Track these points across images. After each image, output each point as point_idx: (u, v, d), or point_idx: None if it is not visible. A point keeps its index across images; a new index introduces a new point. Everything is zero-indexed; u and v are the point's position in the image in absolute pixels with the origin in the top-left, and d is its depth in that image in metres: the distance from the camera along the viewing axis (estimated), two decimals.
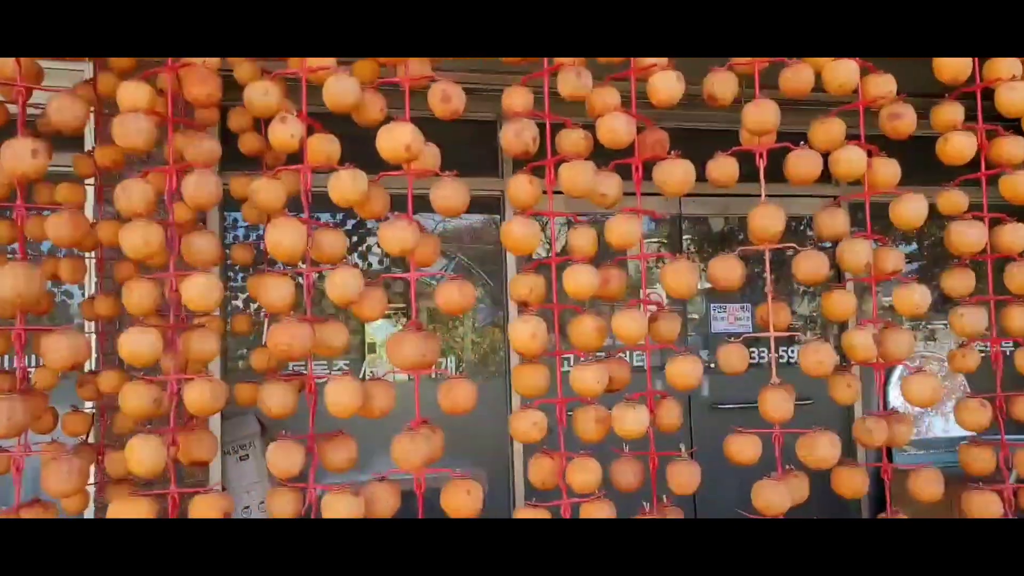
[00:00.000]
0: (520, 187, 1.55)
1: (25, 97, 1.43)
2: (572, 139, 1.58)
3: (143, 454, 1.27)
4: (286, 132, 1.41)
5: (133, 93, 1.42)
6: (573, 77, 1.53)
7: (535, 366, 1.55)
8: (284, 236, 1.39)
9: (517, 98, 1.57)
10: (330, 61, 1.44)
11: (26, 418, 1.30)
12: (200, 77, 1.41)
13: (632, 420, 1.49)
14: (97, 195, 2.04)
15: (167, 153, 1.51)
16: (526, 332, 1.46)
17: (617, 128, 1.52)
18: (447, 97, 1.48)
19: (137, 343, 1.31)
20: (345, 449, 1.47)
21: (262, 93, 1.47)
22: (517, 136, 1.50)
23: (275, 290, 1.42)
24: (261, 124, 2.00)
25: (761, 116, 1.51)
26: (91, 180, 2.00)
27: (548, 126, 1.58)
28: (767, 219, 1.51)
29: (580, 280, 1.48)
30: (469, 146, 4.01)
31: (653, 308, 1.64)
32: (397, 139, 1.42)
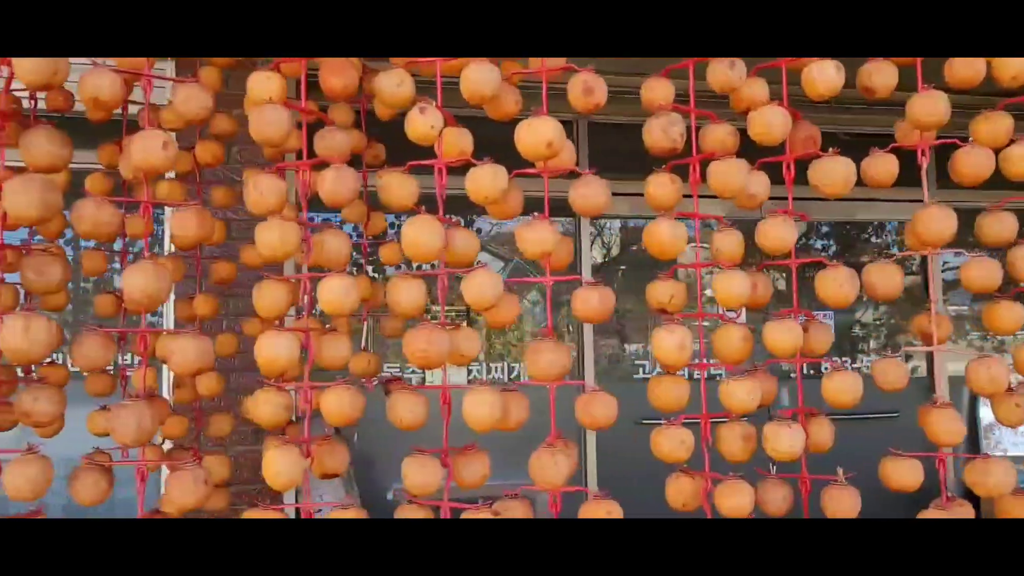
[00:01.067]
0: (661, 187, 1.45)
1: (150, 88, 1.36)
2: (718, 135, 1.47)
3: (281, 466, 1.19)
4: (426, 123, 1.32)
5: (265, 84, 1.35)
6: (725, 68, 1.42)
7: (676, 379, 1.44)
8: (422, 234, 1.30)
9: (659, 90, 1.46)
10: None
11: (154, 424, 1.23)
12: (338, 67, 1.33)
13: (787, 439, 1.38)
14: (197, 192, 1.98)
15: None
16: (672, 343, 1.35)
17: (773, 123, 1.41)
18: (589, 89, 1.38)
19: (275, 347, 1.24)
20: (480, 464, 1.37)
21: (396, 83, 1.38)
22: (664, 132, 1.40)
23: (407, 292, 1.34)
24: (362, 118, 1.92)
25: (932, 107, 1.38)
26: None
27: (693, 120, 1.47)
28: (937, 222, 1.39)
29: (732, 287, 1.37)
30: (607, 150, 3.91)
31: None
32: (540, 134, 1.32)
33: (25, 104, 1.62)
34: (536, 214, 1.37)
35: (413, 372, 3.98)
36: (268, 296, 1.30)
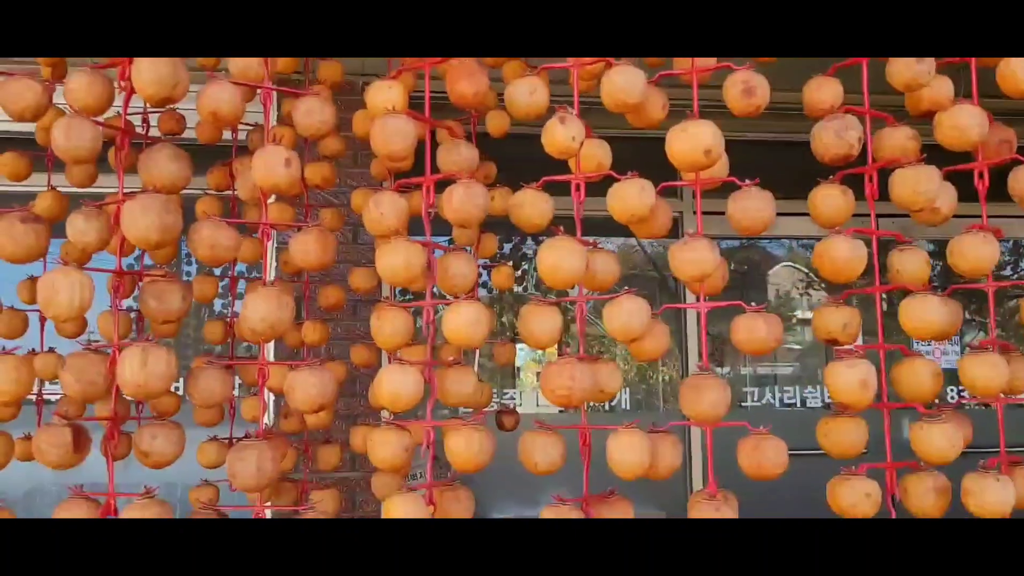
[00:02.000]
0: (831, 200, 1.27)
1: (270, 100, 1.27)
2: (897, 140, 1.28)
3: (402, 514, 1.07)
4: (566, 135, 1.18)
5: (386, 93, 1.24)
6: (911, 64, 1.23)
7: (854, 421, 1.24)
8: (564, 259, 1.16)
9: (827, 91, 1.28)
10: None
11: (275, 467, 1.13)
12: (467, 71, 1.21)
13: (995, 495, 1.16)
14: (305, 213, 1.90)
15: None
16: (854, 379, 1.16)
17: (968, 125, 1.21)
18: (750, 90, 1.22)
19: (400, 383, 1.11)
20: (622, 511, 1.21)
21: (528, 92, 1.25)
22: (839, 136, 1.21)
23: (543, 321, 1.20)
24: (473, 131, 1.81)
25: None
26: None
27: (868, 124, 1.28)
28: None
29: (927, 314, 1.17)
30: (632, 164, 3.73)
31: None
32: (697, 141, 1.17)
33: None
34: (690, 232, 1.21)
35: (512, 399, 3.85)
36: (389, 325, 1.19)
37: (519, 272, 4.01)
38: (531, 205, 1.26)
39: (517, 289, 3.95)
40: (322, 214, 1.89)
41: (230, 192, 1.87)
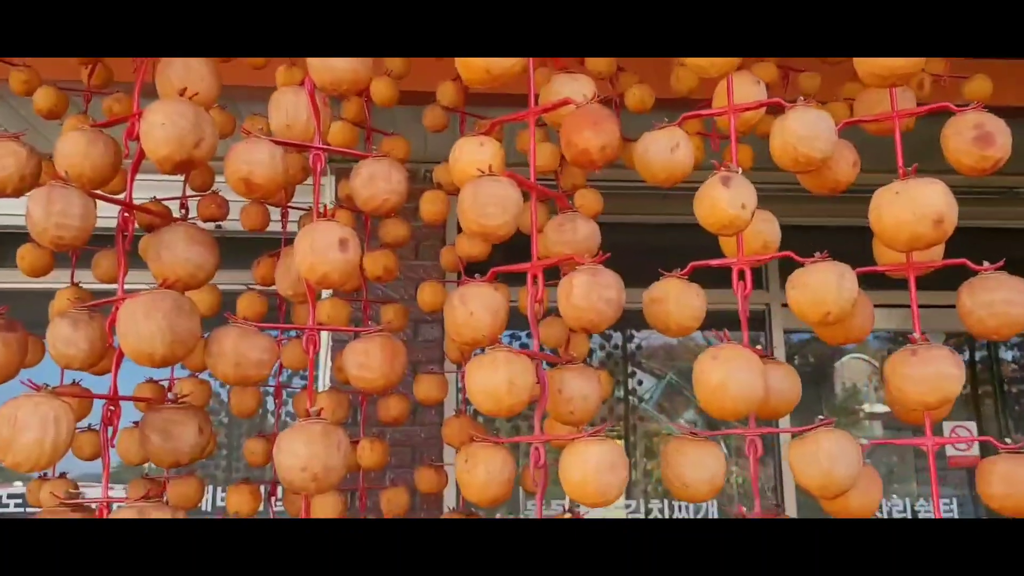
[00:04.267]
0: None
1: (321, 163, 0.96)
2: None
3: None
4: (733, 201, 0.83)
5: (476, 152, 0.92)
6: None
7: None
8: (734, 375, 0.79)
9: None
10: None
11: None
12: (591, 118, 0.87)
13: None
14: (364, 312, 1.59)
15: None
16: None
17: None
18: (987, 137, 0.86)
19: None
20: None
21: (669, 146, 0.92)
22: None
23: (700, 465, 0.83)
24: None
25: None
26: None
27: None
28: None
29: None
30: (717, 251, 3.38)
31: None
32: (921, 207, 0.81)
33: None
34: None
35: None
36: (484, 469, 0.83)
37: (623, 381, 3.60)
38: (677, 301, 0.90)
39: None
40: (383, 312, 1.57)
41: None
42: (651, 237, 3.16)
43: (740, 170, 0.86)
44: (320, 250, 0.85)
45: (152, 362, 0.81)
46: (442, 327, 2.79)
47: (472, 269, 1.68)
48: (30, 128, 2.34)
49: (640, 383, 3.73)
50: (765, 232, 0.94)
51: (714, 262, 0.92)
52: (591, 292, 0.84)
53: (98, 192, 0.85)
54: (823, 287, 0.83)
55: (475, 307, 0.88)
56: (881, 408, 3.94)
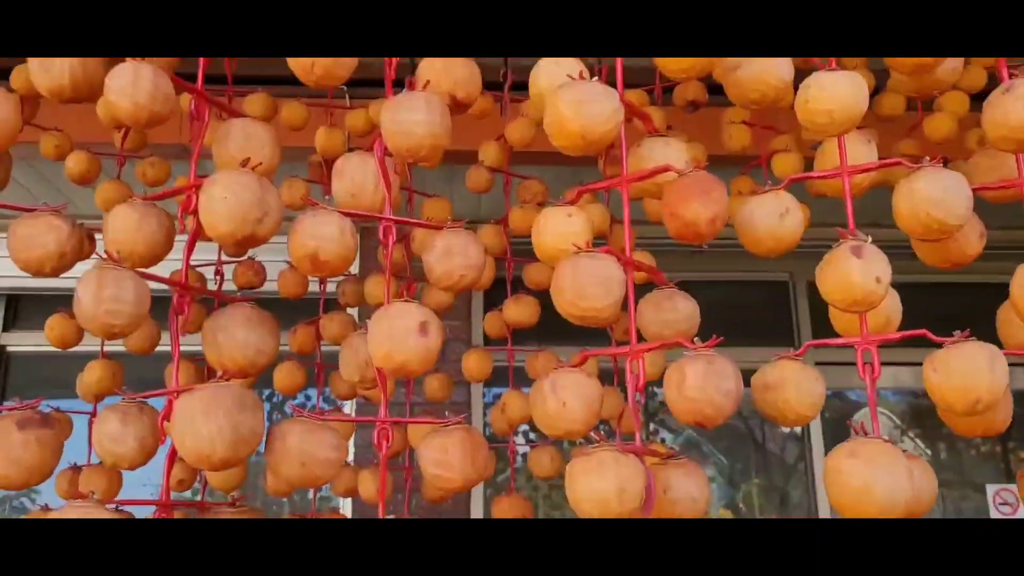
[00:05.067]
0: None
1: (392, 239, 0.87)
2: None
3: None
4: (867, 274, 0.74)
5: (564, 224, 0.83)
6: None
7: None
8: (881, 479, 0.69)
9: None
10: None
11: None
12: (700, 187, 0.78)
13: None
14: None
15: None
16: None
17: None
18: None
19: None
20: None
21: (778, 212, 0.83)
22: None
23: None
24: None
25: None
26: None
27: None
28: None
29: None
30: (760, 308, 3.29)
31: None
32: None
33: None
34: None
35: None
36: None
37: None
38: (797, 388, 0.80)
39: None
40: (427, 383, 1.47)
41: (317, 356, 1.48)
42: None
43: (870, 238, 0.77)
44: (399, 336, 0.75)
45: (211, 465, 0.71)
46: (468, 305, 2.67)
47: (520, 336, 1.59)
48: (61, 196, 2.26)
49: (663, 440, 3.62)
50: (888, 307, 0.84)
51: (834, 341, 0.82)
52: (707, 383, 0.74)
53: (150, 272, 0.76)
54: (974, 372, 0.73)
55: (568, 397, 0.78)
56: None
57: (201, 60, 0.82)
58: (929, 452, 3.91)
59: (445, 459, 0.83)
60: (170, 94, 0.77)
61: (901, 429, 3.81)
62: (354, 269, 1.71)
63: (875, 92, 1.40)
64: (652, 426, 3.61)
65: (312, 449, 0.78)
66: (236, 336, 0.77)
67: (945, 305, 2.54)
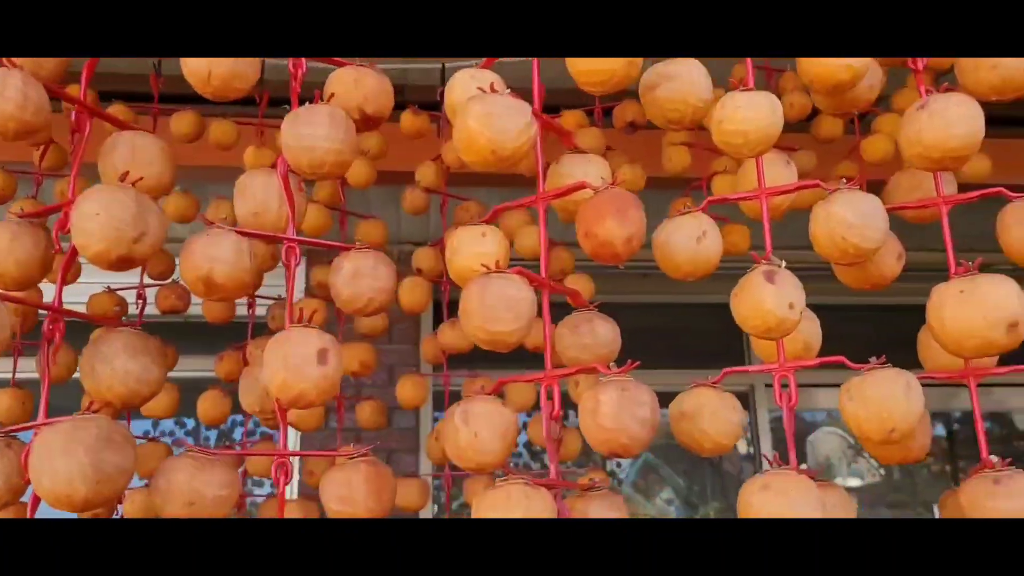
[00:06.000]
0: None
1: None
2: None
3: None
4: (779, 301, 0.71)
5: (479, 244, 0.80)
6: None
7: None
8: None
9: None
10: None
11: None
12: (616, 205, 0.75)
13: None
14: (339, 418, 1.43)
15: None
16: None
17: None
18: None
19: None
20: None
21: (695, 236, 0.80)
22: None
23: None
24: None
25: None
26: None
27: None
28: None
29: None
30: (712, 331, 3.29)
31: None
32: (992, 310, 0.70)
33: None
34: None
35: None
36: None
37: None
38: (713, 416, 0.77)
39: None
40: (359, 411, 1.42)
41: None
42: (631, 318, 3.06)
43: (784, 263, 0.75)
44: (295, 365, 0.71)
45: (72, 507, 0.65)
46: (418, 329, 2.60)
47: (455, 361, 1.55)
48: None
49: (619, 464, 3.60)
50: (806, 332, 0.82)
51: (751, 368, 0.79)
52: (622, 411, 0.70)
53: (16, 295, 0.71)
54: (889, 400, 0.71)
55: (480, 428, 0.74)
56: (855, 482, 3.83)
57: (85, 69, 0.77)
58: (883, 472, 3.93)
59: (348, 494, 0.78)
60: (43, 104, 0.72)
61: (856, 449, 3.84)
62: (300, 293, 1.66)
63: (812, 115, 1.40)
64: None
65: (202, 488, 0.72)
66: (114, 365, 0.71)
67: (873, 327, 2.56)
